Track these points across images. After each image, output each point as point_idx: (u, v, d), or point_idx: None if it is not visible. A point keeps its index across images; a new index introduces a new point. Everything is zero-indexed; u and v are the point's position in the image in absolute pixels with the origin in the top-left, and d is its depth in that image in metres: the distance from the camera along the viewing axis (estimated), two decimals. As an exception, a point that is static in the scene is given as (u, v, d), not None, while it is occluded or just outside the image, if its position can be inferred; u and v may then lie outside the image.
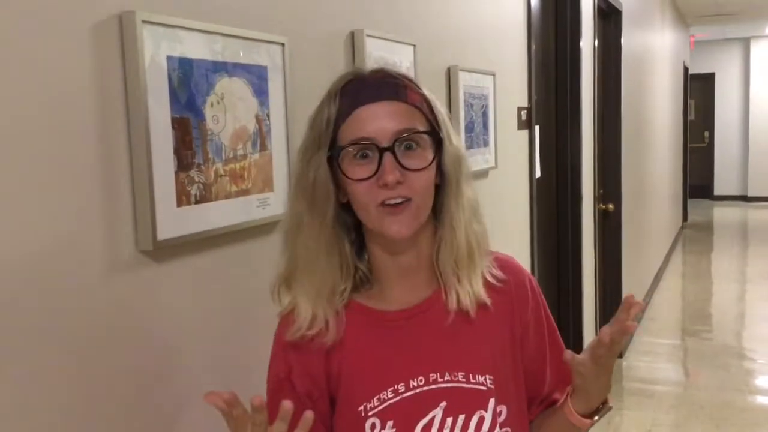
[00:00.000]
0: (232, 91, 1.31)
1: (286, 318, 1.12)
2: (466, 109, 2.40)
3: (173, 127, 1.17)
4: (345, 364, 1.10)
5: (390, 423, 1.07)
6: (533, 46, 3.19)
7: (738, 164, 13.52)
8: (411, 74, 1.17)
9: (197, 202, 1.23)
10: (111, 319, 1.10)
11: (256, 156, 1.38)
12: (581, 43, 3.95)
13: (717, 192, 13.70)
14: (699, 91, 13.08)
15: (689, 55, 11.64)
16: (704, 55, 13.07)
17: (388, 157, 1.02)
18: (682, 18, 10.03)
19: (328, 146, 1.05)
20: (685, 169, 11.03)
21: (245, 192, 1.35)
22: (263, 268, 1.26)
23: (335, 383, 1.11)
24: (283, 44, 1.43)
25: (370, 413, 1.08)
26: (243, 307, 1.38)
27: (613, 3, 4.74)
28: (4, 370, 0.94)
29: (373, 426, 1.08)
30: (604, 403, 1.14)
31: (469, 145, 2.41)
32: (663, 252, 8.04)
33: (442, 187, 1.10)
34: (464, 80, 2.36)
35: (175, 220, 1.18)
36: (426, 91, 1.10)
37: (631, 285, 5.46)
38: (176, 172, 1.18)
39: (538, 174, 3.32)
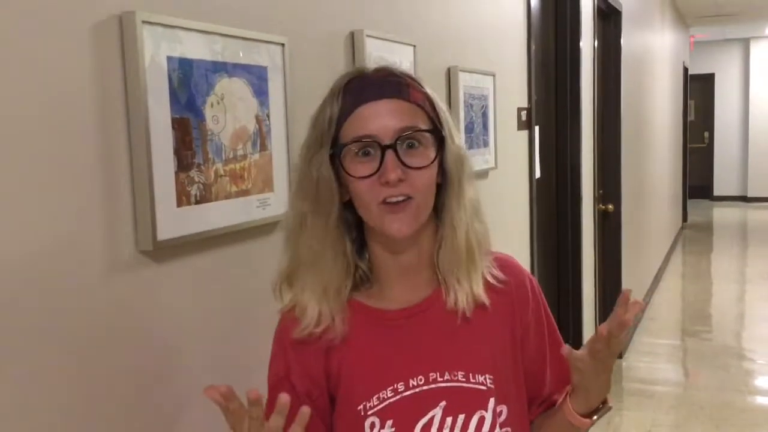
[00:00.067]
0: (232, 91, 1.31)
1: (287, 315, 1.12)
2: (466, 110, 2.40)
3: (173, 128, 1.17)
4: (345, 363, 1.10)
5: (389, 422, 1.07)
6: (533, 47, 3.19)
7: (738, 165, 13.53)
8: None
9: (197, 202, 1.23)
10: (111, 319, 1.10)
11: (256, 156, 1.38)
12: (581, 44, 3.95)
13: (717, 192, 13.70)
14: (699, 91, 13.09)
15: (689, 56, 11.64)
16: (704, 56, 13.08)
17: (390, 154, 1.02)
18: (682, 18, 10.03)
19: (331, 144, 1.06)
20: (684, 169, 11.03)
21: (245, 192, 1.35)
22: (263, 268, 1.26)
23: (335, 382, 1.11)
24: (283, 44, 1.43)
25: (370, 412, 1.08)
26: (243, 307, 1.38)
27: (612, 3, 4.74)
28: (4, 370, 0.94)
29: (372, 425, 1.08)
30: (604, 402, 1.13)
31: (469, 146, 2.41)
32: (663, 252, 8.04)
33: (443, 186, 1.10)
34: (464, 81, 2.36)
35: (175, 221, 1.18)
36: (428, 90, 1.10)
37: (631, 285, 5.44)
38: (176, 173, 1.18)
39: (537, 174, 3.33)
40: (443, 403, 1.08)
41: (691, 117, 12.17)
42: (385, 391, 1.08)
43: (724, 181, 13.66)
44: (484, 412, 1.09)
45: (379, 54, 1.76)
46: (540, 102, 3.51)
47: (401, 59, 1.88)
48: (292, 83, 1.46)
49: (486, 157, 2.61)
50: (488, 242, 1.14)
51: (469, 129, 2.43)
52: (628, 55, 5.31)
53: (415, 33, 2.03)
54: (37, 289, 0.98)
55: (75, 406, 1.04)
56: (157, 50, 1.14)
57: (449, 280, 1.11)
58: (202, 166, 1.24)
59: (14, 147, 0.94)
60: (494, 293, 1.13)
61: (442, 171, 1.09)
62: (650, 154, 6.95)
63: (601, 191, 4.68)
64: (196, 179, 1.22)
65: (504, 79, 2.80)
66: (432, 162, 1.05)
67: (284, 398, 0.91)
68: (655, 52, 7.21)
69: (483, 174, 2.59)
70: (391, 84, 1.06)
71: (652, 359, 5.12)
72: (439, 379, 1.09)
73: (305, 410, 0.93)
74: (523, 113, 3.11)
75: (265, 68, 1.39)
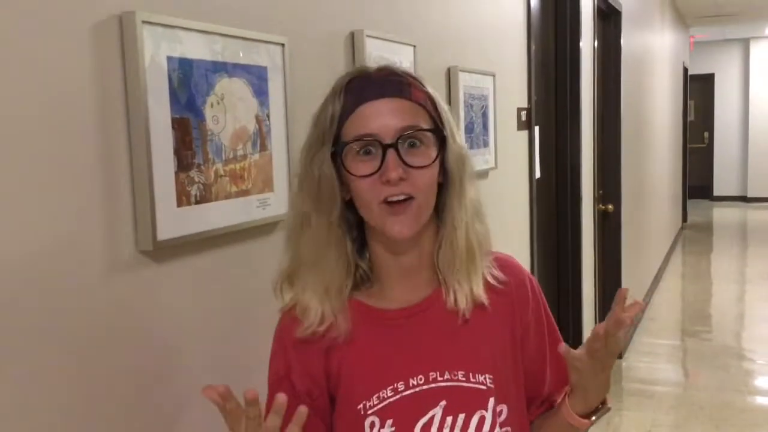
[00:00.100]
0: (232, 91, 1.31)
1: (288, 314, 1.12)
2: (466, 110, 2.40)
3: (173, 128, 1.17)
4: (345, 362, 1.10)
5: (389, 422, 1.07)
6: (533, 47, 3.19)
7: (737, 165, 13.53)
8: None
9: (197, 202, 1.23)
10: (111, 319, 1.10)
11: (256, 156, 1.38)
12: (581, 44, 3.95)
13: (716, 192, 13.70)
14: (699, 91, 13.09)
15: (689, 56, 11.64)
16: (704, 56, 13.08)
17: (391, 153, 1.02)
18: (682, 19, 10.03)
19: (332, 143, 1.06)
20: (684, 169, 11.03)
21: (245, 192, 1.35)
22: (263, 268, 1.26)
23: (335, 381, 1.11)
24: (283, 44, 1.43)
25: (370, 412, 1.08)
26: (243, 307, 1.38)
27: (612, 3, 4.74)
28: (4, 370, 0.94)
29: (372, 425, 1.08)
30: (603, 403, 1.13)
31: (469, 146, 2.41)
32: (663, 252, 8.04)
33: (445, 186, 1.10)
34: (464, 81, 2.36)
35: (175, 221, 1.18)
36: (430, 89, 1.10)
37: (631, 285, 5.44)
38: (176, 173, 1.18)
39: (537, 174, 3.33)
40: (443, 403, 1.08)
41: (690, 117, 12.17)
42: (385, 391, 1.08)
43: (723, 181, 13.66)
44: (484, 411, 1.09)
45: (379, 54, 1.76)
46: (540, 102, 3.51)
47: (401, 59, 1.88)
48: (292, 83, 1.46)
49: (486, 157, 2.61)
50: (489, 242, 1.14)
51: (469, 129, 2.43)
52: (628, 55, 5.31)
53: (415, 33, 2.03)
54: (37, 289, 0.98)
55: (75, 406, 1.04)
56: (157, 50, 1.14)
57: (449, 281, 1.11)
58: (202, 166, 1.24)
59: (14, 147, 0.94)
60: (494, 294, 1.13)
61: (444, 171, 1.09)
62: (650, 154, 6.95)
63: (600, 191, 4.68)
64: (196, 179, 1.22)
65: (504, 79, 2.80)
66: (433, 161, 1.05)
67: (281, 398, 0.91)
68: (655, 52, 7.21)
69: (483, 174, 2.59)
70: (392, 83, 1.06)
71: (652, 359, 5.12)
72: (439, 378, 1.09)
73: (302, 410, 0.93)
74: (523, 113, 3.11)
75: (265, 68, 1.39)
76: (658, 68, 7.48)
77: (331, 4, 1.66)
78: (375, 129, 1.03)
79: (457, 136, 1.11)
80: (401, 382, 1.08)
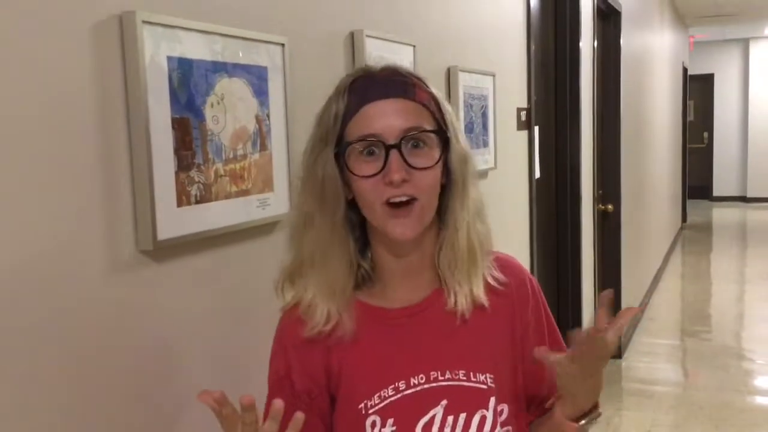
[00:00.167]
0: (232, 91, 1.31)
1: (289, 313, 1.12)
2: (466, 110, 2.40)
3: (173, 128, 1.17)
4: (346, 361, 1.10)
5: (390, 421, 1.07)
6: (533, 47, 3.19)
7: (737, 165, 13.53)
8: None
9: (197, 202, 1.23)
10: (111, 319, 1.10)
11: (256, 156, 1.38)
12: (581, 44, 3.95)
13: (716, 193, 13.71)
14: (698, 91, 13.09)
15: (688, 56, 11.64)
16: (703, 56, 13.08)
17: (394, 154, 1.02)
18: (682, 19, 10.03)
19: (336, 143, 1.05)
20: (684, 169, 11.03)
21: (245, 192, 1.35)
22: (263, 268, 1.26)
23: (336, 381, 1.11)
24: (283, 44, 1.43)
25: (371, 411, 1.08)
26: (243, 307, 1.38)
27: (612, 3, 4.75)
28: (4, 370, 0.94)
29: (373, 424, 1.08)
30: (595, 407, 1.10)
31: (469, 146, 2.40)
32: (662, 252, 8.04)
33: (447, 187, 1.10)
34: (464, 81, 2.36)
35: (175, 220, 1.18)
36: (434, 90, 1.10)
37: (631, 285, 5.46)
38: (176, 172, 1.18)
39: (537, 174, 3.33)
40: (444, 402, 1.08)
41: (690, 117, 12.18)
42: (386, 390, 1.08)
43: (723, 182, 13.66)
44: (485, 411, 1.09)
45: (379, 54, 1.76)
46: (540, 102, 3.51)
47: (401, 59, 1.88)
48: (292, 83, 1.46)
49: (486, 157, 2.61)
50: (490, 242, 1.14)
51: (469, 129, 2.43)
52: (628, 55, 5.31)
53: (415, 33, 2.03)
54: (37, 289, 0.98)
55: (75, 406, 1.04)
56: (157, 50, 1.14)
57: (450, 281, 1.11)
58: (202, 166, 1.24)
59: (14, 147, 0.94)
60: (494, 295, 1.13)
61: (447, 171, 1.09)
62: (650, 154, 6.95)
63: (600, 191, 4.68)
64: (196, 179, 1.22)
65: (504, 79, 2.80)
66: (436, 162, 1.05)
67: (278, 404, 0.91)
68: (654, 52, 7.21)
69: (483, 174, 2.59)
70: (396, 83, 1.06)
71: (651, 359, 5.12)
72: (440, 377, 1.09)
73: (299, 416, 0.92)
74: (523, 113, 3.11)
75: (265, 68, 1.39)
76: (657, 68, 7.48)
77: (331, 4, 1.66)
78: (378, 129, 1.03)
79: (461, 136, 1.11)
80: (402, 381, 1.08)
